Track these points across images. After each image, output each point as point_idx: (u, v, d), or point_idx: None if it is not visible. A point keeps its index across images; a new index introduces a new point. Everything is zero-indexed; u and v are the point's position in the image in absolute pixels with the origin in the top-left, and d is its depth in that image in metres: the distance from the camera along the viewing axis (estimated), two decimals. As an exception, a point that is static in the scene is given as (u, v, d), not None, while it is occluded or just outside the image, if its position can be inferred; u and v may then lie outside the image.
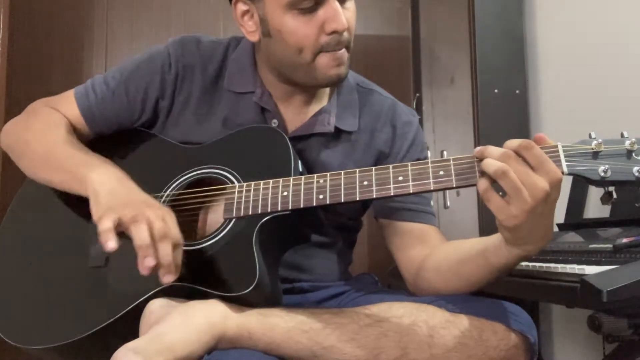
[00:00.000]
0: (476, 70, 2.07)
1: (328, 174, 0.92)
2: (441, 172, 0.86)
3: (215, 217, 0.99)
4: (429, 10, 2.51)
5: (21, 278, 1.01)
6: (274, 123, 1.09)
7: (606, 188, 0.85)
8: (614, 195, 0.85)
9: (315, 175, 0.92)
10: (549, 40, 2.15)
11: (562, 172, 0.80)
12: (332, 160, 1.11)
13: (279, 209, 0.92)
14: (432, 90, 2.45)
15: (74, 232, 1.03)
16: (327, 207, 0.95)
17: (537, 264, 1.19)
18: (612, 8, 1.85)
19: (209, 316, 0.86)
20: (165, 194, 1.02)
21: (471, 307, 0.91)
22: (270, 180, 0.94)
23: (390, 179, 0.88)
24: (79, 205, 1.05)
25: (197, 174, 1.03)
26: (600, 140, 0.82)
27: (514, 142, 0.81)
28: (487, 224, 1.98)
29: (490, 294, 0.98)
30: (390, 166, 0.89)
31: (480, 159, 0.83)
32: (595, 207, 1.67)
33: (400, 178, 0.87)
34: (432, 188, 0.86)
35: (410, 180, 0.87)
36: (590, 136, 0.84)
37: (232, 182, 0.98)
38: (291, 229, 0.99)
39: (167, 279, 0.85)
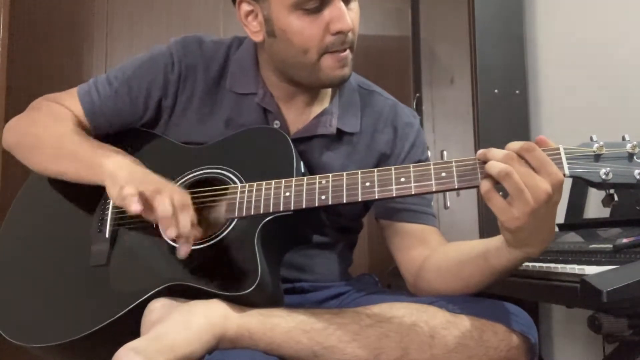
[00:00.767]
0: (476, 70, 2.07)
1: (330, 174, 0.92)
2: (443, 174, 0.86)
3: (217, 217, 0.99)
4: (429, 10, 2.51)
5: (22, 276, 1.01)
6: (276, 124, 1.09)
7: (607, 190, 0.85)
8: (615, 198, 0.85)
9: (317, 176, 0.93)
10: (549, 40, 2.15)
11: (564, 175, 0.81)
12: (334, 161, 1.11)
13: (281, 209, 0.92)
14: (432, 90, 2.45)
15: (75, 231, 1.03)
16: (328, 208, 0.95)
17: (537, 264, 1.19)
18: (612, 8, 1.86)
19: (209, 316, 0.86)
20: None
21: (472, 307, 0.92)
22: (273, 181, 0.94)
23: (393, 180, 0.88)
24: (80, 204, 1.06)
25: (199, 174, 1.03)
26: (601, 142, 0.83)
27: (516, 144, 0.81)
28: (487, 225, 1.98)
29: (491, 295, 0.98)
30: (393, 167, 0.89)
31: (483, 162, 0.83)
32: (595, 208, 1.67)
33: (403, 179, 0.87)
34: (434, 189, 0.86)
35: (413, 182, 0.87)
36: (591, 139, 0.84)
37: (235, 183, 0.98)
38: (293, 230, 1.00)
39: (185, 249, 0.89)
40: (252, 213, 0.93)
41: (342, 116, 1.12)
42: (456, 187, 0.85)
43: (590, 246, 1.20)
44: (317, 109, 1.12)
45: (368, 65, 2.28)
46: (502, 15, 2.12)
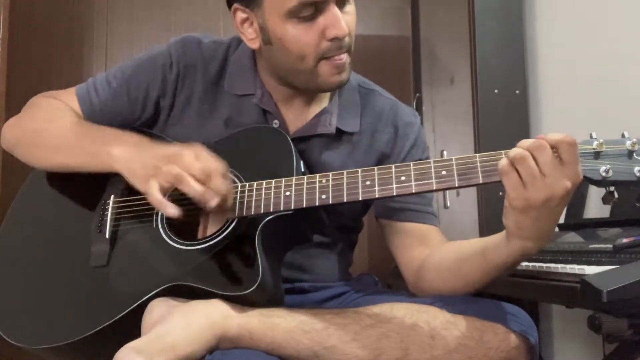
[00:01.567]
0: (476, 70, 2.07)
1: (330, 173, 0.92)
2: (444, 172, 0.86)
3: (217, 216, 0.99)
4: (429, 10, 2.51)
5: (23, 277, 1.01)
6: (275, 124, 1.09)
7: (607, 188, 0.86)
8: (616, 195, 0.85)
9: (317, 175, 0.93)
10: (549, 40, 2.15)
11: None
12: (334, 161, 1.11)
13: (282, 208, 0.92)
14: (432, 91, 2.44)
15: (75, 231, 1.03)
16: (328, 207, 0.95)
17: (537, 264, 1.19)
18: (612, 8, 1.86)
19: (210, 316, 0.86)
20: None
21: (472, 308, 0.92)
22: (273, 180, 0.94)
23: (393, 178, 0.88)
24: (80, 204, 1.06)
25: None
26: (601, 140, 0.83)
27: (558, 135, 0.80)
28: (487, 225, 1.98)
29: (491, 295, 0.98)
30: (393, 166, 0.89)
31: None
32: (595, 207, 1.67)
33: (403, 178, 0.87)
34: (434, 188, 0.86)
35: (413, 180, 0.87)
36: (591, 136, 0.84)
37: (235, 182, 0.98)
38: (293, 229, 1.00)
39: (230, 213, 0.92)
40: (253, 212, 0.93)
41: (342, 116, 1.12)
42: (457, 185, 0.85)
43: (590, 246, 1.20)
44: (316, 109, 1.12)
45: (368, 65, 2.27)
46: (502, 15, 2.12)
